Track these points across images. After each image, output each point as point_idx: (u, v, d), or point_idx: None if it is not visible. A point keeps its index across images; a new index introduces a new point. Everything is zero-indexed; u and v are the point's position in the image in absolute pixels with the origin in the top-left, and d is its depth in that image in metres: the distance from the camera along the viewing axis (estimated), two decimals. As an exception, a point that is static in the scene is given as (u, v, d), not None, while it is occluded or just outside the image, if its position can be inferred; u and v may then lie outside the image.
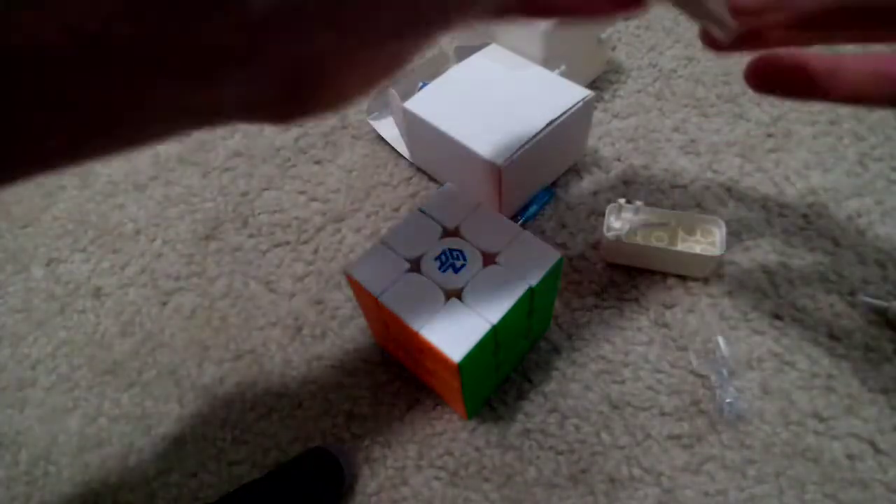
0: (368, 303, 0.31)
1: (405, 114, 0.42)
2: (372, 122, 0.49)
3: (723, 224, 0.38)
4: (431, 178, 0.46)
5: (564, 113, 0.39)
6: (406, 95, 0.42)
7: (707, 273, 0.38)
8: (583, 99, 0.40)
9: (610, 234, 0.37)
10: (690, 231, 0.38)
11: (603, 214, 0.39)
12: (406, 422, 0.35)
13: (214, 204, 0.47)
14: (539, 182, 0.43)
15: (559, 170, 0.44)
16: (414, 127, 0.42)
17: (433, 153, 0.44)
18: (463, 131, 0.39)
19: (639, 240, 0.38)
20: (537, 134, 0.38)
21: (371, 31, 0.16)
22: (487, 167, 0.38)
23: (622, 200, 0.38)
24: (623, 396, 0.35)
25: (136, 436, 0.37)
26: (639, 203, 0.38)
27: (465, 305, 0.29)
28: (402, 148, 0.47)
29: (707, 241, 0.38)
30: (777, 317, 0.37)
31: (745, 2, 0.24)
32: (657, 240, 0.38)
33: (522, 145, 0.38)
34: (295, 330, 0.40)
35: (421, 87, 0.46)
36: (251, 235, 0.45)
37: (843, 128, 0.45)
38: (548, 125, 0.38)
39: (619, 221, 0.38)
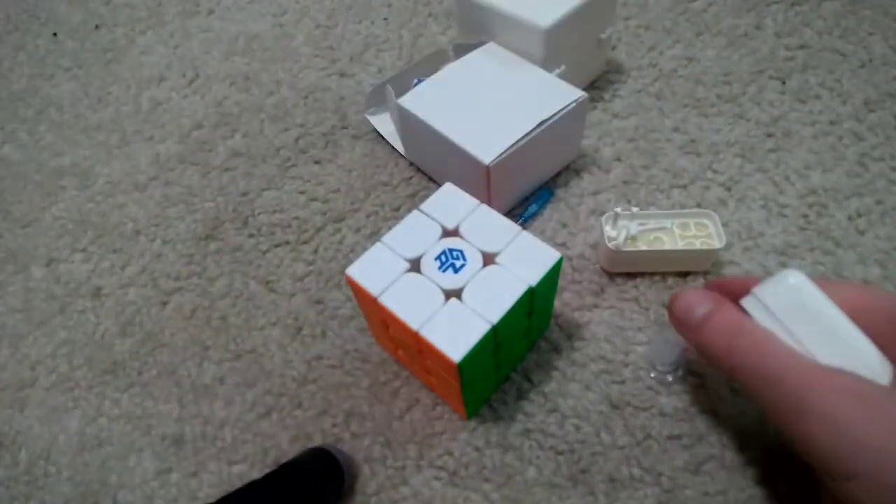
0: (368, 303, 0.31)
1: (399, 110, 0.42)
2: (369, 118, 0.49)
3: (715, 215, 0.38)
4: (431, 179, 0.46)
5: (556, 113, 0.39)
6: (402, 92, 0.42)
7: (709, 266, 0.38)
8: (576, 100, 0.40)
9: (611, 245, 0.37)
10: (685, 228, 0.38)
11: (603, 214, 0.39)
12: (406, 422, 0.35)
13: (214, 204, 0.47)
14: (531, 181, 0.43)
15: (552, 170, 0.44)
16: (407, 123, 0.42)
17: (426, 150, 0.44)
18: (454, 129, 0.39)
19: (640, 245, 0.38)
20: (528, 134, 0.38)
21: None
22: (476, 166, 0.38)
23: (618, 209, 0.38)
24: (623, 396, 0.35)
25: (136, 436, 0.37)
26: (634, 209, 0.38)
27: (464, 305, 0.29)
28: (398, 144, 0.47)
29: (704, 235, 0.38)
30: (777, 317, 0.37)
31: None
32: (656, 242, 0.38)
33: (512, 145, 0.38)
34: (295, 330, 0.40)
35: (416, 84, 0.46)
36: (251, 235, 0.45)
37: (843, 128, 0.45)
38: (539, 125, 0.38)
39: (616, 230, 0.38)
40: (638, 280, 0.39)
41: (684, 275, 0.39)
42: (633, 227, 0.38)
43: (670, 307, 0.30)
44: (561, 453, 0.33)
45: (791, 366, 0.25)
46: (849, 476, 0.23)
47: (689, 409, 0.34)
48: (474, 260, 0.30)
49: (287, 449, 0.35)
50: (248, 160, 0.49)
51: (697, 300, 0.29)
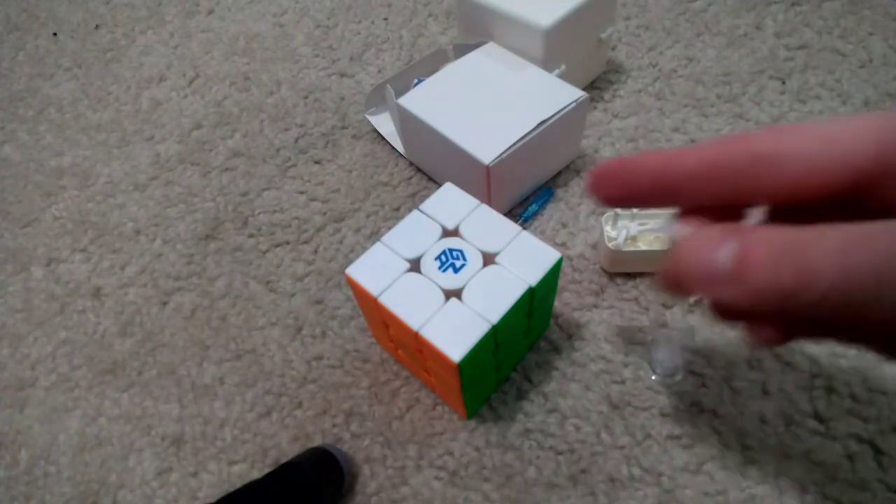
0: (368, 303, 0.31)
1: (399, 110, 0.42)
2: (369, 118, 0.49)
3: None
4: (431, 178, 0.46)
5: (557, 113, 0.39)
6: (402, 92, 0.42)
7: None
8: (576, 100, 0.40)
9: (611, 245, 0.37)
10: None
11: (603, 214, 0.39)
12: (406, 422, 0.35)
13: (214, 204, 0.47)
14: (532, 181, 0.43)
15: (553, 170, 0.44)
16: (407, 123, 0.42)
17: (426, 150, 0.44)
18: (454, 129, 0.39)
19: (640, 245, 0.37)
20: (528, 134, 0.38)
21: None
22: (476, 165, 0.38)
23: (618, 209, 0.38)
24: (623, 396, 0.35)
25: (136, 436, 0.37)
26: (634, 209, 0.38)
27: (464, 305, 0.29)
28: (398, 144, 0.47)
29: None
30: (777, 317, 0.37)
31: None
32: (656, 242, 0.38)
33: (512, 145, 0.38)
34: (295, 330, 0.40)
35: (416, 84, 0.46)
36: (251, 235, 0.45)
37: (844, 128, 0.45)
38: (539, 125, 0.38)
39: (616, 230, 0.38)
40: (638, 280, 0.39)
41: (684, 275, 0.39)
42: (633, 227, 0.38)
43: (671, 272, 0.19)
44: (561, 453, 0.33)
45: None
46: None
47: (689, 409, 0.34)
48: (474, 260, 0.30)
49: (287, 449, 0.35)
50: (248, 160, 0.49)
51: (710, 245, 0.18)
